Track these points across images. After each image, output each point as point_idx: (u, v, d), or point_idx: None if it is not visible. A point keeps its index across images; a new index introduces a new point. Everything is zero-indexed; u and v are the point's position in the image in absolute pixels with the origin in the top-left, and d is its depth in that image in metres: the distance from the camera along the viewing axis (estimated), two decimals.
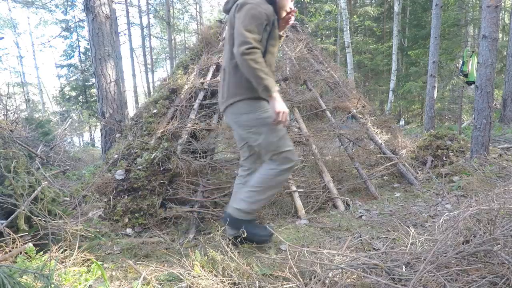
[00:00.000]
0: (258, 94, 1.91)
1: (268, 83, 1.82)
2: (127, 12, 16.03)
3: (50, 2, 18.03)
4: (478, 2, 12.32)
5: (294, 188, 2.92)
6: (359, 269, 1.49)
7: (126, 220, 2.71)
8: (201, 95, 3.56)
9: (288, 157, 2.00)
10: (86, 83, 17.39)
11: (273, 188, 2.08)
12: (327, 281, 1.46)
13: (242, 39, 1.79)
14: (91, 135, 16.29)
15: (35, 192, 2.02)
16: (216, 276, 1.64)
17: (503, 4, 9.59)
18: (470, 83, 8.02)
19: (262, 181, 2.03)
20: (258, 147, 2.02)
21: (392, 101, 13.29)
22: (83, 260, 1.90)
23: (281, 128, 1.99)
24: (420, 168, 3.81)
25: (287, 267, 1.61)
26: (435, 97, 7.48)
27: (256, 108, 1.96)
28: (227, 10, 2.08)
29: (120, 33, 15.42)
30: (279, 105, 1.85)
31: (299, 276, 1.51)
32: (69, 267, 1.75)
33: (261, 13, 1.84)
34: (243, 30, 1.80)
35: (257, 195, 2.04)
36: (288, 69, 4.03)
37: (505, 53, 9.45)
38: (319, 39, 16.77)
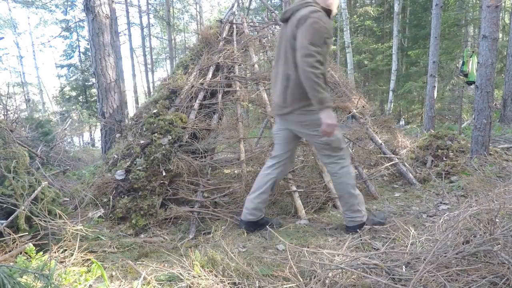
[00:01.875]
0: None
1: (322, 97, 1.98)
2: (127, 12, 16.03)
3: (50, 2, 18.03)
4: (478, 2, 12.31)
5: (294, 188, 2.92)
6: (359, 269, 1.49)
7: (126, 220, 2.71)
8: (201, 95, 3.55)
9: None
10: (86, 83, 17.39)
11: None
12: (327, 281, 1.46)
13: (306, 51, 1.91)
14: (91, 135, 16.28)
15: (35, 192, 2.02)
16: (216, 276, 1.64)
17: (503, 4, 9.59)
18: (470, 83, 8.01)
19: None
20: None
21: (392, 101, 13.28)
22: (83, 260, 1.90)
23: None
24: (419, 168, 3.81)
25: (287, 267, 1.61)
26: (435, 97, 7.47)
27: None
28: (284, 20, 2.15)
29: (120, 33, 15.43)
30: (328, 118, 1.99)
31: (299, 276, 1.51)
32: (69, 267, 1.75)
33: (322, 27, 1.96)
34: (307, 44, 1.92)
35: None
36: None
37: (505, 53, 9.45)
38: None
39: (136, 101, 17.51)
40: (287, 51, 2.09)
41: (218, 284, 1.57)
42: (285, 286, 1.50)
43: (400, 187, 3.49)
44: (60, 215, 2.07)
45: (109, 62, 4.68)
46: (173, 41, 18.99)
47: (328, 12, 2.06)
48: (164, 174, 2.94)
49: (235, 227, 2.63)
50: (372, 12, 14.85)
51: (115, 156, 3.15)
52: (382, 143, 3.64)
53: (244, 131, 3.35)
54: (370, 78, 17.08)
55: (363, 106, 3.95)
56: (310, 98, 1.99)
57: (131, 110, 13.00)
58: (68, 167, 4.99)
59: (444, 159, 3.84)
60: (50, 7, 18.91)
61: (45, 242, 1.91)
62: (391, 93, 13.06)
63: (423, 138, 4.36)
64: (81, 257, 1.91)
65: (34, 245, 1.84)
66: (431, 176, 3.50)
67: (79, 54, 19.17)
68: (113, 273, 1.82)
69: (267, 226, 2.34)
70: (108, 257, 2.11)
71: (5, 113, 4.29)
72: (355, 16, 15.94)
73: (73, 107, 16.06)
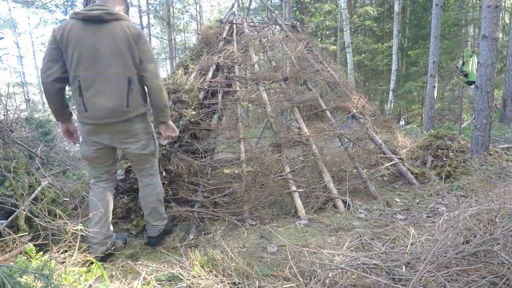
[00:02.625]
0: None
1: None
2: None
3: (50, 2, 18.02)
4: (478, 2, 12.31)
5: (294, 188, 2.92)
6: (359, 269, 1.49)
7: (126, 220, 2.71)
8: (201, 95, 3.55)
9: None
10: None
11: None
12: (327, 281, 1.46)
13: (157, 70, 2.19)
14: None
15: (35, 192, 2.02)
16: (216, 276, 1.64)
17: (503, 4, 9.59)
18: (470, 83, 8.01)
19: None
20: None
21: (392, 101, 13.29)
22: (83, 260, 1.90)
23: None
24: (419, 167, 3.81)
25: (287, 267, 1.61)
26: (435, 97, 7.48)
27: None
28: (97, 19, 1.97)
29: None
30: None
31: (299, 276, 1.51)
32: (69, 267, 1.75)
33: None
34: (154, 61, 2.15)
35: None
36: (288, 69, 4.04)
37: (505, 53, 9.45)
38: (319, 39, 16.77)
39: None
40: (123, 53, 1.97)
41: (218, 284, 1.57)
42: (285, 286, 1.50)
43: (400, 187, 3.49)
44: (60, 215, 2.07)
45: None
46: (173, 41, 18.98)
47: None
48: (164, 174, 2.94)
49: (235, 227, 2.63)
50: (372, 12, 14.84)
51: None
52: (382, 143, 3.64)
53: (244, 131, 3.35)
54: (370, 78, 17.09)
55: (363, 106, 3.95)
56: (156, 105, 2.10)
57: None
58: (68, 167, 4.98)
59: (444, 159, 3.84)
60: (50, 7, 18.89)
61: (45, 242, 1.91)
62: (391, 93, 13.07)
63: (423, 138, 4.36)
64: (81, 257, 1.91)
65: (34, 245, 1.84)
66: (431, 176, 3.51)
67: None
68: (113, 273, 1.82)
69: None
70: (108, 257, 2.11)
71: (5, 113, 4.29)
72: (355, 16, 15.94)
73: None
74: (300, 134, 3.31)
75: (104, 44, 1.92)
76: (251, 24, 4.66)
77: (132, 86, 2.00)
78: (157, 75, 2.07)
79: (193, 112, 3.20)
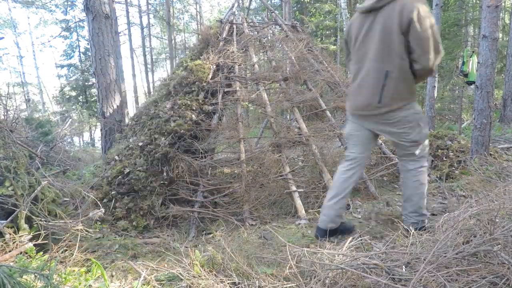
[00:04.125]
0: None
1: None
2: (127, 12, 16.05)
3: (50, 2, 18.03)
4: (478, 2, 12.31)
5: (294, 188, 2.92)
6: (359, 269, 1.49)
7: (127, 220, 2.72)
8: (201, 95, 3.55)
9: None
10: (86, 83, 17.40)
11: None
12: (327, 281, 1.46)
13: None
14: (91, 135, 16.29)
15: (35, 192, 2.01)
16: (216, 276, 1.64)
17: (503, 4, 9.59)
18: (470, 83, 8.01)
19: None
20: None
21: None
22: (83, 260, 1.90)
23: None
24: None
25: (287, 267, 1.61)
26: (435, 97, 7.48)
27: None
28: (377, 8, 1.89)
29: (120, 33, 15.42)
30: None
31: (299, 276, 1.51)
32: (69, 267, 1.75)
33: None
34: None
35: None
36: (288, 69, 4.04)
37: (505, 53, 9.45)
38: (319, 39, 16.76)
39: (136, 101, 17.52)
40: (387, 43, 1.88)
41: (218, 284, 1.57)
42: (285, 286, 1.50)
43: (400, 187, 3.48)
44: (61, 215, 2.07)
45: (109, 62, 4.67)
46: (173, 41, 18.98)
47: None
48: (165, 175, 2.95)
49: (235, 227, 2.63)
50: None
51: (115, 156, 3.15)
52: (382, 143, 3.64)
53: (244, 131, 3.35)
54: None
55: None
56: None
57: (131, 110, 12.99)
58: (68, 167, 4.98)
59: (444, 159, 3.84)
60: (50, 7, 18.91)
61: (45, 242, 1.91)
62: None
63: None
64: (81, 257, 1.91)
65: (34, 245, 1.84)
66: (431, 176, 3.50)
67: (79, 54, 19.18)
68: (113, 273, 1.82)
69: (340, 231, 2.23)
70: (108, 257, 2.11)
71: (5, 113, 4.29)
72: None
73: (73, 107, 16.06)
74: (300, 134, 3.31)
75: (371, 35, 1.92)
76: (251, 24, 4.66)
77: (387, 81, 1.91)
78: (430, 71, 1.89)
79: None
